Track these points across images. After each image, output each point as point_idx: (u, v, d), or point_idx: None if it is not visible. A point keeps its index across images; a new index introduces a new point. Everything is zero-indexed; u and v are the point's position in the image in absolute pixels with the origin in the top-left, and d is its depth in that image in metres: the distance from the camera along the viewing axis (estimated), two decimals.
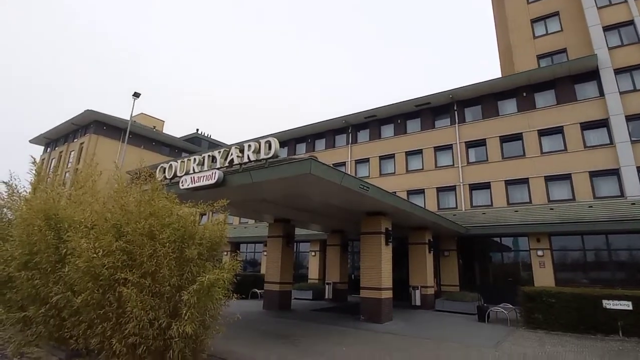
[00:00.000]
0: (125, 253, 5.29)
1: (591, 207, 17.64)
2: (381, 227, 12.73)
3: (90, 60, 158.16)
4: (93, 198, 6.50)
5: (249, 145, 10.33)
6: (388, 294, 12.52)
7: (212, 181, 10.02)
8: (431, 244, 16.34)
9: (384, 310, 12.11)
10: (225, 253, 30.65)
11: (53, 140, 44.73)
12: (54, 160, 42.66)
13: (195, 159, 11.47)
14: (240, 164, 10.52)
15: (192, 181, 10.67)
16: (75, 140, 40.49)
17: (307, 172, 8.45)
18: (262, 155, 10.00)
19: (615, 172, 18.90)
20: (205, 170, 10.68)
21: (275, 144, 9.80)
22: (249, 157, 10.23)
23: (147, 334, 5.02)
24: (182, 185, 10.73)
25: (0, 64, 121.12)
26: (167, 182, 11.32)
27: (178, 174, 11.50)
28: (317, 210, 14.25)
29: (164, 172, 12.05)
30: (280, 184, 9.87)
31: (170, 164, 12.03)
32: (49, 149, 45.32)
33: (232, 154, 10.71)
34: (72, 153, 40.03)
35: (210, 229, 6.41)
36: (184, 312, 5.01)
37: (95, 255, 5.05)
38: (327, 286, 18.40)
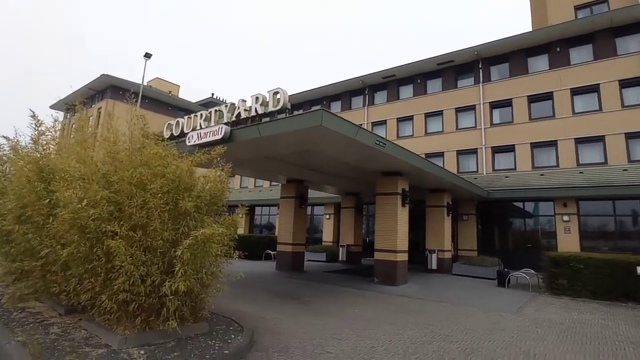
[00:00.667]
0: (113, 204, 4.79)
1: (626, 170, 16.36)
2: (397, 188, 12.01)
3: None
4: (82, 147, 5.98)
5: (256, 98, 9.61)
6: (403, 257, 11.99)
7: (219, 136, 9.40)
8: (450, 207, 15.58)
9: (398, 273, 11.63)
10: (240, 215, 30.72)
11: (73, 105, 44.74)
12: (74, 126, 42.91)
13: (202, 114, 10.86)
14: (248, 118, 9.85)
15: (198, 137, 10.09)
16: (93, 105, 40.44)
17: (318, 125, 7.70)
18: (270, 108, 9.28)
19: None
20: (212, 126, 10.07)
21: (283, 94, 9.03)
22: (256, 110, 9.54)
23: (138, 290, 4.59)
24: (189, 142, 10.18)
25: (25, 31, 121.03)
26: (175, 140, 10.80)
27: (185, 131, 10.95)
28: (330, 170, 13.59)
29: (171, 129, 11.53)
30: (290, 139, 9.17)
31: (177, 121, 11.48)
32: (68, 115, 45.57)
33: (239, 108, 10.03)
34: (91, 118, 40.06)
35: (210, 181, 5.85)
36: (177, 268, 4.53)
37: (80, 206, 4.55)
38: (340, 249, 18.05)
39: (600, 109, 18.71)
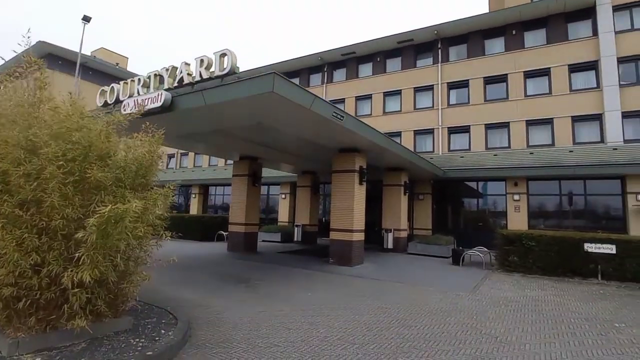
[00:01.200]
0: None
1: (572, 152, 16.96)
2: (355, 165, 11.44)
3: None
4: None
5: (201, 60, 8.46)
6: (360, 237, 11.55)
7: (158, 104, 8.23)
8: (407, 186, 15.38)
9: (354, 253, 11.18)
10: (193, 195, 29.08)
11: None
12: None
13: (139, 79, 9.53)
14: (192, 84, 8.71)
15: (135, 105, 8.79)
16: (28, 76, 36.05)
17: (269, 91, 6.80)
18: (217, 72, 8.20)
19: (598, 117, 18.12)
20: (151, 92, 8.82)
21: (232, 56, 7.98)
22: (200, 75, 8.42)
23: (29, 283, 3.59)
24: (125, 110, 8.83)
25: None
26: (110, 109, 9.40)
27: (121, 98, 9.59)
28: (286, 147, 12.75)
29: (105, 96, 10.08)
30: (239, 108, 8.19)
31: (112, 87, 10.06)
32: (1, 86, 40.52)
33: (181, 72, 8.83)
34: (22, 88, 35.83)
35: (135, 147, 4.83)
36: (81, 254, 3.58)
37: None
38: (296, 229, 17.41)
39: (550, 92, 19.20)
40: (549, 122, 19.10)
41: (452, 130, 21.54)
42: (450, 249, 13.69)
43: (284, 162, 14.88)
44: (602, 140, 17.84)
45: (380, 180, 16.62)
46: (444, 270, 11.08)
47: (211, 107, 7.97)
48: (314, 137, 10.48)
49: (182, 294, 7.02)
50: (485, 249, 12.88)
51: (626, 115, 17.43)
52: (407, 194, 15.35)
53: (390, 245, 14.63)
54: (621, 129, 17.35)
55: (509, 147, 19.66)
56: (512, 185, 16.57)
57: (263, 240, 18.24)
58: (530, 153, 17.80)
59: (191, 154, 33.09)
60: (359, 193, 11.55)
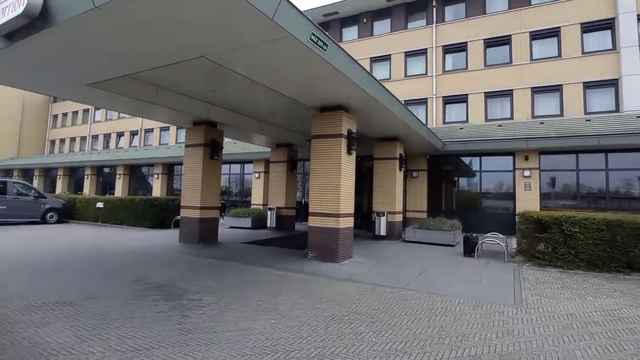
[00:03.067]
0: None
1: (589, 120, 14.44)
2: (341, 128, 8.43)
3: None
4: None
5: None
6: (348, 222, 8.63)
7: (19, 10, 4.92)
8: (403, 160, 12.48)
9: (341, 245, 8.28)
10: (156, 176, 25.55)
11: None
12: None
13: None
14: None
15: None
16: None
17: None
18: None
19: (613, 83, 15.66)
20: None
21: None
22: None
23: None
24: None
25: None
26: None
27: None
28: (252, 106, 9.60)
29: None
30: (157, 20, 4.96)
31: None
32: None
33: None
34: None
35: None
36: None
37: None
38: (269, 212, 14.36)
39: (560, 55, 16.59)
40: (557, 89, 16.57)
41: (448, 100, 18.76)
42: (455, 236, 10.99)
43: (251, 129, 11.68)
44: (617, 109, 15.45)
45: (369, 156, 13.72)
46: (459, 265, 8.32)
47: (114, 16, 4.74)
48: (285, 85, 7.35)
49: (49, 332, 3.94)
50: (502, 235, 10.25)
51: None
52: (402, 169, 12.47)
53: (382, 232, 11.81)
54: None
55: (512, 118, 17.14)
56: (522, 160, 13.93)
57: (231, 227, 15.17)
58: (541, 123, 15.20)
59: (156, 131, 29.40)
60: (347, 165, 8.58)
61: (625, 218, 7.40)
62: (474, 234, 9.51)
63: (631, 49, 15.28)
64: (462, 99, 18.37)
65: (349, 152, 8.59)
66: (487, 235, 10.28)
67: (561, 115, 16.21)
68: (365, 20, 21.35)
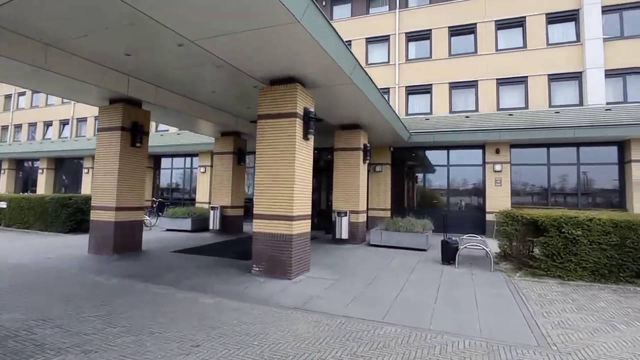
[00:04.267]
0: None
1: (558, 112, 13.59)
2: (296, 105, 6.44)
3: None
4: None
5: None
6: (304, 227, 6.68)
7: None
8: (367, 151, 10.72)
9: (296, 256, 6.32)
10: (85, 171, 22.04)
11: None
12: None
13: None
14: None
15: None
16: None
17: None
18: None
19: (577, 76, 15.02)
20: None
21: None
22: None
23: None
24: None
25: None
26: None
27: None
28: (187, 82, 7.35)
29: None
30: None
31: None
32: None
33: None
34: None
35: None
36: None
37: None
38: (212, 212, 12.02)
39: (525, 45, 15.72)
40: (522, 81, 15.71)
41: (412, 90, 17.39)
42: (428, 238, 9.43)
43: (189, 112, 9.29)
44: (581, 103, 14.84)
45: (329, 149, 11.92)
46: (441, 277, 6.66)
47: None
48: (225, 46, 5.22)
49: None
50: (479, 237, 8.86)
51: (610, 74, 14.48)
52: (367, 161, 10.71)
53: (344, 235, 10.01)
54: (603, 90, 14.39)
55: (476, 110, 16.06)
56: (493, 153, 12.77)
57: (167, 230, 12.68)
58: (509, 114, 14.17)
59: (91, 120, 25.58)
60: (303, 152, 6.62)
61: (636, 219, 6.12)
62: (453, 237, 7.93)
63: (595, 41, 14.69)
64: (426, 89, 17.09)
65: (305, 137, 6.64)
66: (464, 237, 8.83)
67: (526, 108, 15.37)
68: (324, 3, 19.48)
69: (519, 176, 12.95)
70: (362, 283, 6.10)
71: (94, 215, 8.41)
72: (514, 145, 12.74)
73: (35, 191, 22.08)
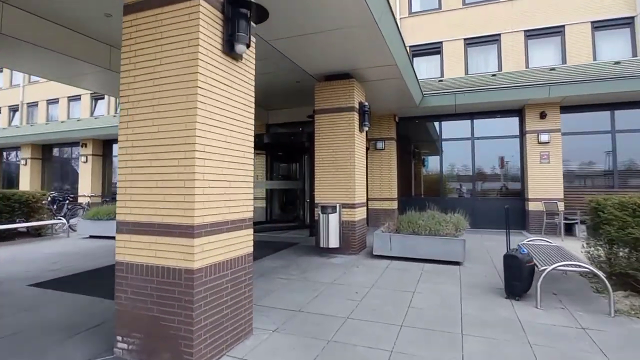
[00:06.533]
0: None
1: (618, 63, 9.87)
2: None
3: None
4: None
5: None
6: (213, 255, 3.00)
7: None
8: (365, 114, 6.91)
9: (209, 318, 2.66)
10: (23, 162, 17.85)
11: None
12: None
13: None
14: None
15: None
16: None
17: None
18: None
19: (628, 23, 11.32)
20: None
21: None
22: None
23: None
24: None
25: None
26: None
27: None
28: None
29: None
30: None
31: None
32: None
33: None
34: None
35: None
36: None
37: None
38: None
39: None
40: (558, 31, 11.95)
41: (416, 52, 13.61)
42: (464, 245, 5.71)
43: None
44: (634, 54, 11.17)
45: (305, 122, 8.21)
46: (535, 347, 3.00)
47: None
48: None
49: None
50: (548, 240, 5.22)
51: None
52: (365, 129, 6.91)
53: (332, 241, 6.27)
54: None
55: (500, 70, 12.35)
56: (536, 118, 9.03)
57: (90, 236, 8.94)
58: (552, 69, 10.44)
59: (63, 101, 21.39)
60: (241, 88, 2.89)
61: None
62: (524, 250, 4.23)
63: None
64: (434, 48, 13.31)
65: (225, 50, 2.90)
66: (527, 241, 5.18)
67: (564, 64, 11.66)
68: None
69: (570, 150, 9.25)
70: None
71: None
72: (565, 108, 9.02)
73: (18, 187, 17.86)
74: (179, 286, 2.60)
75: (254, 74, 3.35)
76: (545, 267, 3.90)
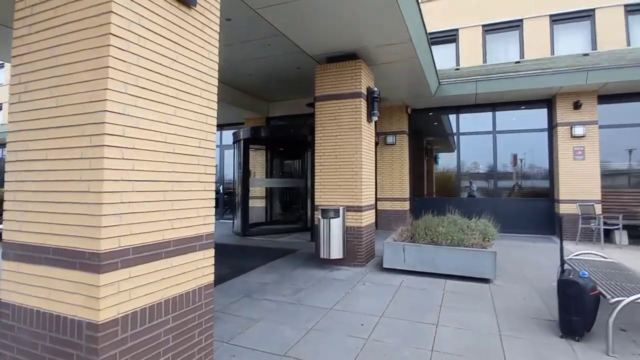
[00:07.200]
0: None
1: None
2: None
3: None
4: None
5: None
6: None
7: None
8: (374, 102, 5.86)
9: None
10: None
11: None
12: None
13: None
14: None
15: None
16: None
17: None
18: None
19: None
20: None
21: None
22: None
23: None
24: None
25: None
26: None
27: None
28: None
29: None
30: None
31: None
32: None
33: None
34: None
35: None
36: None
37: None
38: None
39: None
40: (587, 15, 10.73)
41: (431, 39, 12.42)
42: (494, 258, 4.66)
43: None
44: None
45: (309, 115, 7.20)
46: None
47: None
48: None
49: None
50: (602, 255, 4.14)
51: None
52: (373, 118, 5.86)
53: (335, 251, 5.28)
54: None
55: (523, 57, 11.18)
56: (569, 109, 7.85)
57: None
58: (585, 54, 9.25)
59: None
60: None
61: None
62: (584, 273, 3.19)
63: None
64: (449, 36, 12.18)
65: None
66: (574, 256, 4.11)
67: (594, 49, 10.44)
68: None
69: (608, 146, 8.05)
70: None
71: None
72: (603, 97, 7.82)
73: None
74: (78, 348, 1.64)
75: (218, 30, 2.36)
76: (619, 298, 2.85)
